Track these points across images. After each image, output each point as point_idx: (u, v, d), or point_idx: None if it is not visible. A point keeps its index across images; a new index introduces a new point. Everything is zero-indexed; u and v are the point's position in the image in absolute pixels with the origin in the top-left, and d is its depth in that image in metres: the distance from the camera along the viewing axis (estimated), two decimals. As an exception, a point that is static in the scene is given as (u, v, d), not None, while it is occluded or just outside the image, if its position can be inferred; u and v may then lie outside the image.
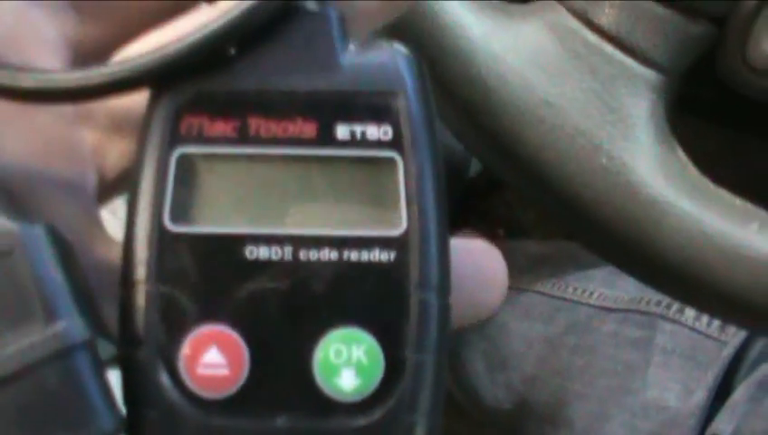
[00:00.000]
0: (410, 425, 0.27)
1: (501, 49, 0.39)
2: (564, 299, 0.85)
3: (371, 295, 0.27)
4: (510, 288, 0.94)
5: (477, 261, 0.30)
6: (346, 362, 0.26)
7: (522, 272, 0.90)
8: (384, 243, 0.27)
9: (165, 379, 0.26)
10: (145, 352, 0.26)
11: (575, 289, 0.85)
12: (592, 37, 0.39)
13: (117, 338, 0.27)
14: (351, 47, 0.28)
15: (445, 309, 0.27)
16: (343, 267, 0.27)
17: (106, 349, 0.26)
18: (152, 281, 0.27)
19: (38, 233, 0.25)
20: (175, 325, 0.26)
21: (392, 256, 0.27)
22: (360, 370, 0.26)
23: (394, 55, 0.28)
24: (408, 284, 0.27)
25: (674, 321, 0.78)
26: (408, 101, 0.27)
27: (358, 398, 0.26)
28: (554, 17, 0.40)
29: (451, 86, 0.39)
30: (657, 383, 0.76)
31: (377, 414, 0.26)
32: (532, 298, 0.87)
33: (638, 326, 0.79)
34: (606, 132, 0.39)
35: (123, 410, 0.26)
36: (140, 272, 0.27)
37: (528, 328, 0.86)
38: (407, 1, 0.33)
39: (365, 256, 0.27)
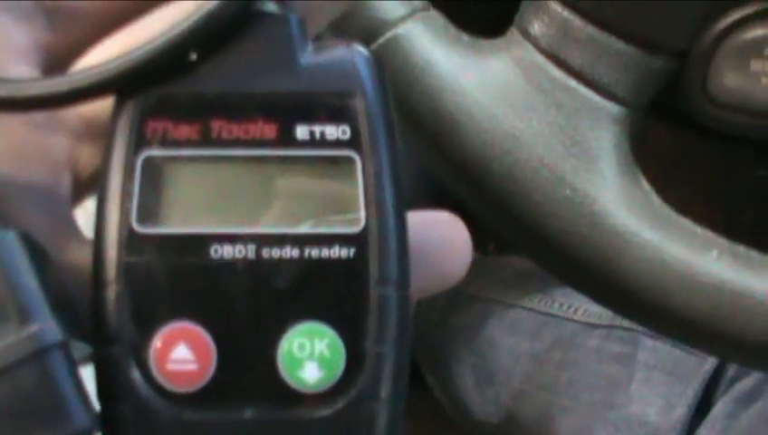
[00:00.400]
0: (372, 414, 0.27)
1: (469, 84, 0.40)
2: (550, 315, 0.87)
3: (333, 291, 0.27)
4: (498, 303, 0.94)
5: (441, 232, 0.30)
6: (309, 355, 0.27)
7: (509, 287, 0.91)
8: (344, 240, 0.27)
9: (136, 375, 0.27)
10: (117, 350, 0.27)
11: (561, 305, 0.86)
12: (557, 72, 0.41)
13: (90, 337, 0.28)
14: (311, 48, 0.28)
15: (404, 302, 0.28)
16: (305, 264, 0.27)
17: (81, 349, 0.27)
18: (122, 281, 0.27)
19: (11, 239, 0.26)
20: (144, 323, 0.27)
21: (352, 252, 0.27)
22: (322, 362, 0.27)
23: (352, 55, 0.28)
24: (368, 279, 0.27)
25: (656, 337, 0.79)
26: (366, 100, 0.28)
27: (321, 389, 0.27)
28: (521, 53, 0.41)
29: (420, 120, 0.41)
30: (639, 398, 0.77)
31: (339, 404, 0.27)
32: (520, 313, 0.88)
33: (621, 342, 0.81)
34: (570, 164, 0.40)
35: (98, 408, 0.27)
36: (110, 272, 0.27)
37: (515, 343, 0.87)
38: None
39: (326, 252, 0.27)
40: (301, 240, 0.27)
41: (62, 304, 0.26)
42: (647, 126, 0.43)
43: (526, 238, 0.41)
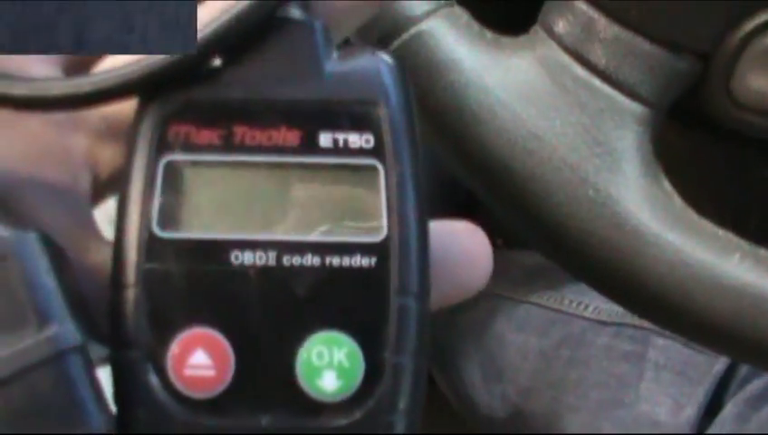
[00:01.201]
0: (389, 425, 0.27)
1: (492, 83, 0.40)
2: (560, 311, 0.86)
3: (352, 300, 0.27)
4: (507, 299, 0.93)
5: (461, 241, 0.30)
6: (328, 364, 0.27)
7: (518, 283, 0.91)
8: (365, 249, 0.27)
9: (153, 379, 0.27)
10: (134, 354, 0.27)
11: (571, 302, 0.86)
12: (581, 72, 0.40)
13: (107, 340, 0.28)
14: (335, 55, 0.28)
15: (424, 314, 0.28)
16: (325, 272, 0.27)
17: (98, 350, 0.27)
18: (141, 285, 0.27)
19: (31, 240, 0.26)
20: (163, 328, 0.27)
21: (373, 261, 0.27)
22: (341, 372, 0.27)
23: (377, 64, 0.28)
24: (388, 289, 0.27)
25: (666, 336, 0.79)
26: (390, 109, 0.28)
27: (339, 399, 0.27)
28: (544, 52, 0.41)
29: (443, 118, 0.40)
30: (648, 398, 0.77)
31: (357, 414, 0.27)
32: (529, 310, 0.88)
33: (631, 340, 0.80)
34: (593, 165, 0.40)
35: (114, 411, 0.27)
36: (130, 276, 0.27)
37: (524, 340, 0.87)
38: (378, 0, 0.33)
39: (346, 261, 0.27)
40: (321, 248, 0.27)
41: (79, 306, 0.26)
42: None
43: (547, 238, 0.41)
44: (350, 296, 0.27)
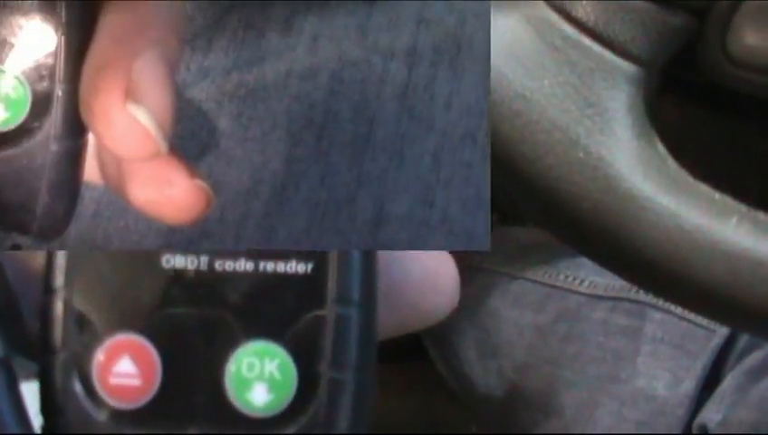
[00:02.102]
0: None
1: (477, 42, 0.39)
2: (555, 286, 0.85)
3: (286, 308, 0.26)
4: (502, 275, 0.92)
5: (425, 265, 0.29)
6: (258, 376, 0.26)
7: (513, 259, 0.90)
8: (301, 254, 0.26)
9: (78, 388, 0.26)
10: (59, 360, 0.26)
11: (566, 277, 0.85)
12: (570, 30, 0.39)
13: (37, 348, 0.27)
14: None
15: (368, 328, 0.26)
16: (259, 278, 0.26)
17: (33, 367, 0.26)
18: (70, 289, 0.26)
19: None
20: (90, 334, 0.26)
21: (309, 267, 0.26)
22: (272, 385, 0.26)
23: None
24: (325, 297, 0.26)
25: (663, 310, 0.77)
26: None
27: (269, 413, 0.26)
28: (532, 9, 0.39)
29: (427, 80, 0.39)
30: (646, 372, 0.76)
31: (289, 431, 0.26)
32: (524, 286, 0.87)
33: (627, 314, 0.79)
34: (583, 126, 0.38)
35: (36, 427, 0.26)
36: (59, 279, 0.26)
37: (519, 316, 0.86)
38: None
39: (281, 267, 0.26)
40: (255, 253, 0.26)
41: (10, 320, 0.25)
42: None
43: (537, 204, 0.40)
44: (284, 305, 0.26)
